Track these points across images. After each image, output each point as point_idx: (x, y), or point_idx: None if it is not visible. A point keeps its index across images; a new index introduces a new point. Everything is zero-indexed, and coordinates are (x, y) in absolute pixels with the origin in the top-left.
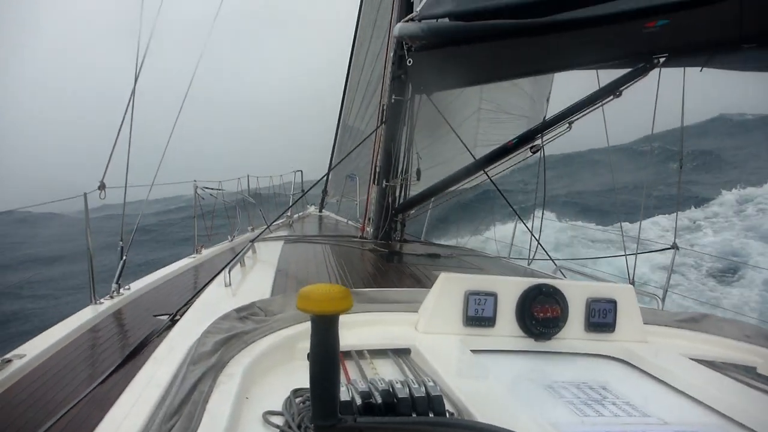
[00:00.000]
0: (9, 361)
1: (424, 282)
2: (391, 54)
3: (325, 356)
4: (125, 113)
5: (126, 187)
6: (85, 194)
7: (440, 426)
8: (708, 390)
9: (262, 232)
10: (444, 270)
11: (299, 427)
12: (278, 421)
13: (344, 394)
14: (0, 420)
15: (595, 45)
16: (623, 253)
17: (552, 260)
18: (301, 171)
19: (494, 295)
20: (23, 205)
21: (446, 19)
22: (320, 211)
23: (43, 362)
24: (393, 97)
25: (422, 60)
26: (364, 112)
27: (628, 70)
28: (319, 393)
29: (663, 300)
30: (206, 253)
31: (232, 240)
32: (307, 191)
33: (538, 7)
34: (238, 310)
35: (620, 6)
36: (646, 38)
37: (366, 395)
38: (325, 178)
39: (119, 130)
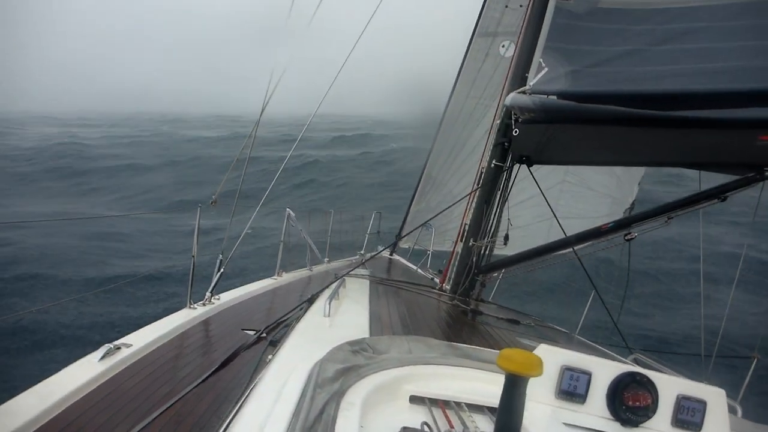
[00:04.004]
0: (119, 348)
1: (509, 345)
2: (498, 121)
3: (513, 409)
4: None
5: (234, 207)
6: (199, 207)
7: None
8: None
9: (354, 268)
10: (523, 337)
11: None
12: None
13: None
14: (111, 405)
15: (706, 147)
16: (701, 353)
17: (628, 347)
18: (380, 213)
19: (589, 374)
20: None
21: (554, 97)
22: (391, 255)
23: (146, 355)
24: (493, 162)
25: (527, 132)
26: (449, 166)
27: (735, 177)
28: None
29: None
30: (286, 277)
31: (310, 269)
32: (403, 236)
33: (651, 101)
34: (351, 343)
35: (736, 114)
36: (758, 150)
37: None
38: (413, 229)
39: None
